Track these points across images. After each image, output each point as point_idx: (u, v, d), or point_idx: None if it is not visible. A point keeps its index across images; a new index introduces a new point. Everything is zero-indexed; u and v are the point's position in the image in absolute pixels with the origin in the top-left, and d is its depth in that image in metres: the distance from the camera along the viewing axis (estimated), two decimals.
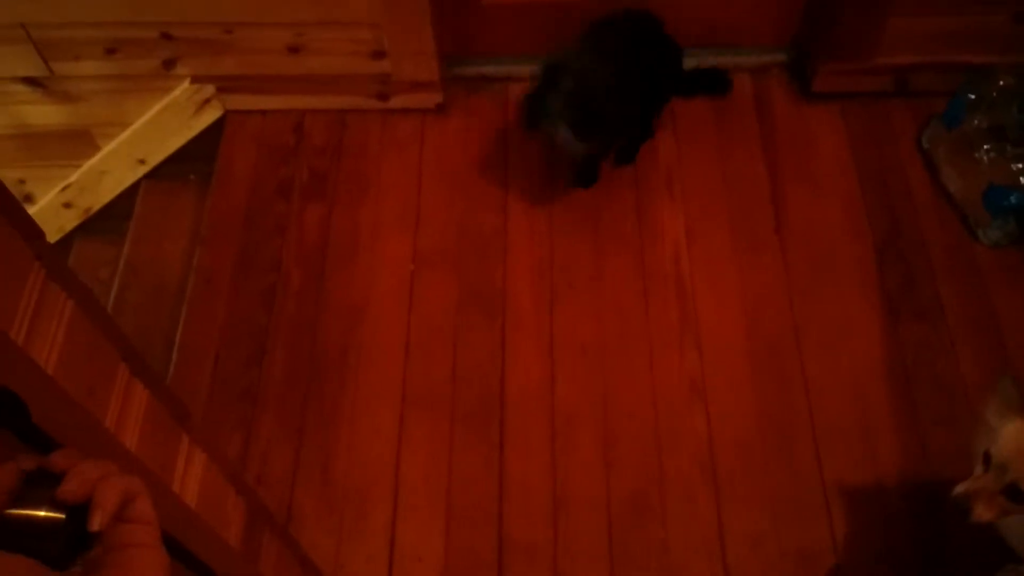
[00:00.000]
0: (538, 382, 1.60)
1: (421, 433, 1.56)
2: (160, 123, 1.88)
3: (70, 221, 2.02)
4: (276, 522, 1.17)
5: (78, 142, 1.92)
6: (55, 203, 2.00)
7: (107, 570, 0.48)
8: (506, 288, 1.69)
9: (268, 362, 1.64)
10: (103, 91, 1.81)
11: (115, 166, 1.95)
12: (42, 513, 0.47)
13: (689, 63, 1.80)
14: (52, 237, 2.03)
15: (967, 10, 1.71)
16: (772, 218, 1.75)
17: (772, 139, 1.84)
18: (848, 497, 1.48)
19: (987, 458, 1.11)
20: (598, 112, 1.55)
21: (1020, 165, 1.65)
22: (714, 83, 1.88)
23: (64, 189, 1.99)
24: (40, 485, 0.48)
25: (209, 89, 1.86)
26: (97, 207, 2.00)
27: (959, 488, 1.11)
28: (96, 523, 0.47)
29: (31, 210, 1.92)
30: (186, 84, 1.84)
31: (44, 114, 1.86)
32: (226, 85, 1.86)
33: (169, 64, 1.80)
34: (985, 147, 1.68)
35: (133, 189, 1.97)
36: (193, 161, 1.93)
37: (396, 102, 1.88)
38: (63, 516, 0.47)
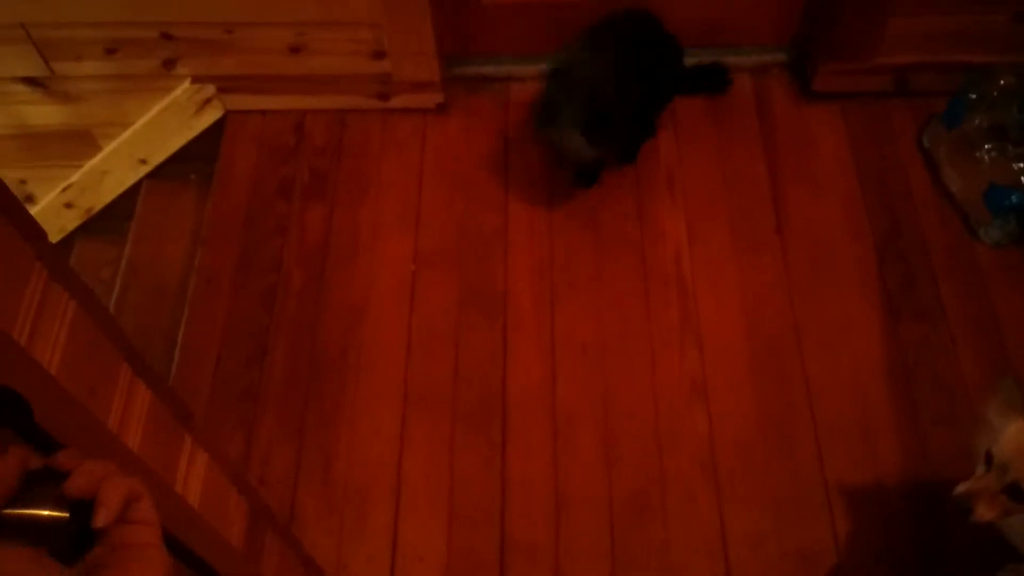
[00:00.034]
0: (539, 382, 1.60)
1: (422, 433, 1.56)
2: (161, 123, 1.88)
3: (71, 221, 2.03)
4: (278, 522, 1.17)
5: (79, 142, 1.92)
6: (56, 203, 2.00)
7: (109, 570, 0.48)
8: (507, 288, 1.69)
9: (269, 362, 1.64)
10: (104, 91, 1.82)
11: (116, 166, 1.95)
12: (46, 512, 0.47)
13: (689, 62, 1.81)
14: (53, 237, 2.03)
15: (967, 10, 1.71)
16: (772, 218, 1.75)
17: (772, 139, 1.85)
18: (849, 497, 1.48)
19: (988, 458, 1.11)
20: (611, 122, 1.57)
21: (1021, 165, 1.65)
22: (714, 79, 1.88)
23: (65, 189, 1.99)
24: (44, 484, 0.48)
25: (210, 89, 1.86)
26: (98, 207, 2.01)
27: (960, 488, 1.11)
28: (101, 520, 0.48)
29: (32, 210, 1.92)
30: (187, 84, 1.84)
31: (45, 114, 1.86)
32: (227, 85, 1.86)
33: (170, 64, 1.80)
34: (986, 147, 1.68)
35: (134, 189, 1.97)
36: (194, 161, 1.93)
37: (396, 102, 1.89)
38: (67, 515, 0.47)
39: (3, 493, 0.47)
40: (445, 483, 1.51)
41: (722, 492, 1.49)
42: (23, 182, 2.00)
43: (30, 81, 1.78)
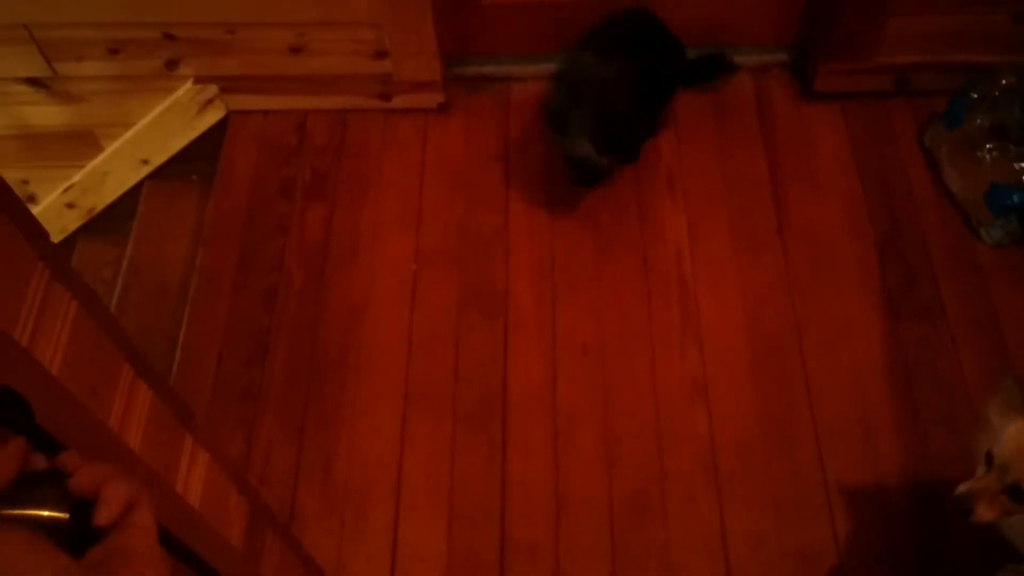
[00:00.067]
0: (539, 382, 1.60)
1: (422, 433, 1.56)
2: (163, 123, 1.88)
3: (73, 221, 2.03)
4: (278, 522, 1.17)
5: (81, 143, 1.92)
6: (58, 203, 2.00)
7: (103, 574, 0.48)
8: (507, 288, 1.70)
9: (270, 362, 1.64)
10: (106, 91, 1.82)
11: (118, 166, 1.95)
12: (46, 513, 0.47)
13: (689, 54, 1.80)
14: (55, 237, 2.03)
15: (968, 10, 1.71)
16: (773, 218, 1.75)
17: (773, 139, 1.84)
18: (849, 497, 1.48)
19: (989, 458, 1.11)
20: (620, 131, 1.59)
21: (1022, 164, 1.65)
22: (717, 64, 1.87)
23: (67, 190, 1.99)
24: (44, 485, 0.48)
25: (212, 89, 1.86)
26: (100, 207, 2.01)
27: (961, 488, 1.11)
28: (103, 518, 0.48)
29: (34, 211, 1.92)
30: (189, 84, 1.84)
31: (47, 115, 1.86)
32: (228, 85, 1.86)
33: (172, 64, 1.80)
34: (987, 146, 1.68)
35: (136, 189, 1.97)
36: (196, 161, 1.93)
37: (397, 102, 1.89)
38: (67, 516, 0.48)
39: (4, 477, 0.47)
40: (445, 483, 1.52)
41: (722, 492, 1.49)
42: (25, 182, 2.01)
43: (32, 82, 1.79)
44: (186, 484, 0.82)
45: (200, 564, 0.85)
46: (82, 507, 0.49)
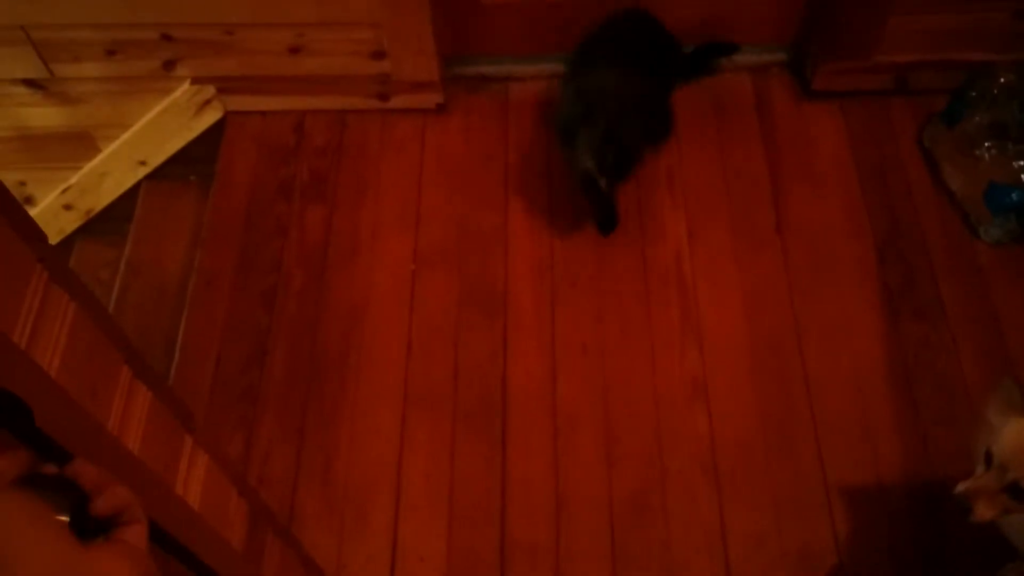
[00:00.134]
0: (539, 381, 1.60)
1: (422, 433, 1.56)
2: (161, 124, 1.88)
3: (71, 223, 2.03)
4: (278, 523, 1.17)
5: (79, 144, 1.92)
6: (56, 205, 2.00)
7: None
8: (507, 287, 1.69)
9: (269, 362, 1.64)
10: (103, 92, 1.82)
11: (116, 168, 1.95)
12: None
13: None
14: (53, 239, 2.03)
15: (967, 8, 1.71)
16: (773, 217, 1.75)
17: (772, 138, 1.84)
18: (849, 497, 1.48)
19: (988, 457, 1.11)
20: (629, 158, 1.60)
21: (1021, 163, 1.65)
22: (718, 52, 1.86)
23: (65, 191, 1.99)
24: (45, 488, 0.48)
25: (209, 90, 1.86)
26: (98, 209, 2.01)
27: (960, 487, 1.11)
28: (101, 508, 0.50)
29: (32, 212, 1.92)
30: (186, 85, 1.84)
31: (44, 116, 1.86)
32: (226, 86, 1.86)
33: (169, 65, 1.80)
34: (986, 145, 1.68)
35: (134, 190, 1.97)
36: (194, 162, 1.93)
37: (396, 102, 1.89)
38: (67, 519, 0.48)
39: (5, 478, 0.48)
40: (445, 483, 1.51)
41: (722, 492, 1.49)
42: (23, 184, 2.01)
43: (30, 83, 1.78)
44: (186, 485, 0.81)
45: (200, 565, 0.85)
46: (81, 510, 0.49)
